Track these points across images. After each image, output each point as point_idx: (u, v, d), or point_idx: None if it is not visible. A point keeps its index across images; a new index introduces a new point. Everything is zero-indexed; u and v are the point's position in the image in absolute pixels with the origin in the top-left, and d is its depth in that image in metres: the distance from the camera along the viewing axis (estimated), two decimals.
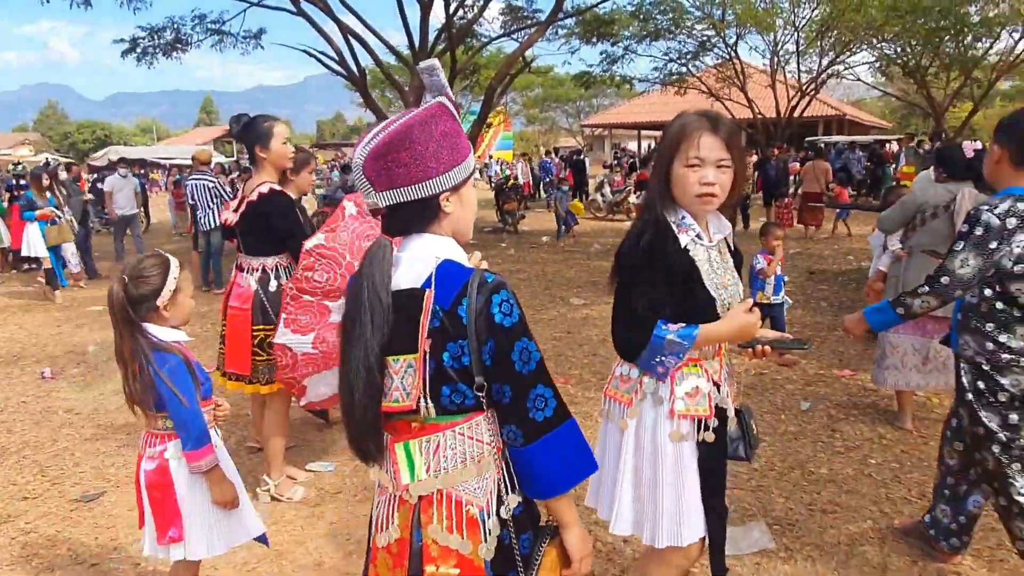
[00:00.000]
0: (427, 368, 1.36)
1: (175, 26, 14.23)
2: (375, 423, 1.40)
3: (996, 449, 2.38)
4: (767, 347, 1.93)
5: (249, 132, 3.24)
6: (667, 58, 21.79)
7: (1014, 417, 2.34)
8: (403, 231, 1.44)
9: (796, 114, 21.61)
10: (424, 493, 1.44)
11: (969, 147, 3.75)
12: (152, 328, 2.10)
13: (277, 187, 3.21)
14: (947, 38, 21.47)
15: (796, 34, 21.25)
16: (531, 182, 22.19)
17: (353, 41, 12.93)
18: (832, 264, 9.96)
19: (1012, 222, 2.28)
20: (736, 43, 21.00)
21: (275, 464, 3.47)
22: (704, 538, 1.97)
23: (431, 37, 13.09)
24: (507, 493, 1.46)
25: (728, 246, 2.02)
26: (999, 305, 2.36)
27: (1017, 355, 2.33)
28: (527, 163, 23.26)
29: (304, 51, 12.91)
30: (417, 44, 13.15)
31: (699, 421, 1.91)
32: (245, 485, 2.39)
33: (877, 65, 23.69)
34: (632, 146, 40.30)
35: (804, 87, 21.56)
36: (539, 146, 46.45)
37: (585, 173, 20.62)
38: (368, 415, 1.39)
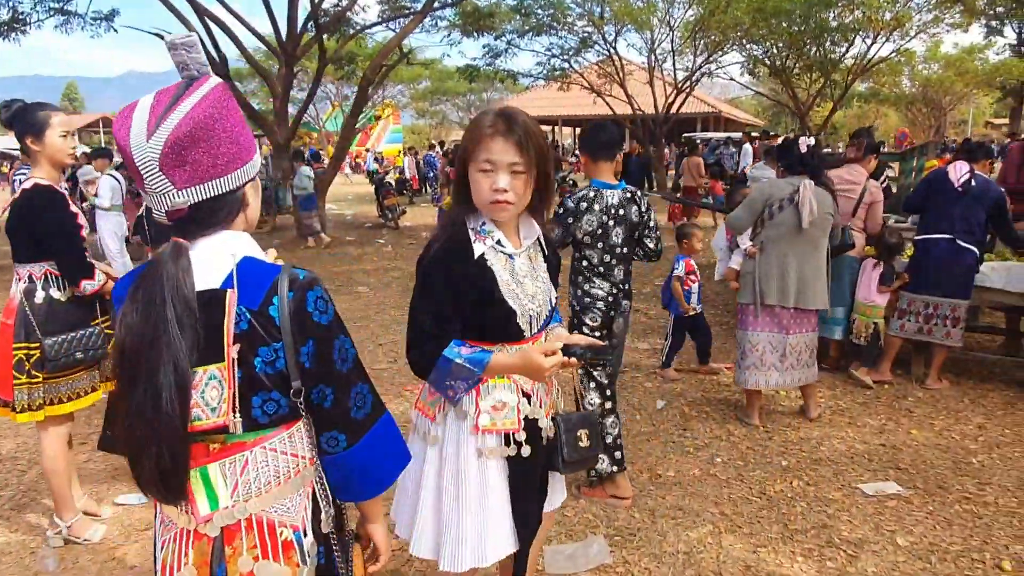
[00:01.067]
0: (235, 377, 1.23)
1: (11, 3, 12.83)
2: (185, 451, 1.22)
3: (581, 372, 3.21)
4: (573, 358, 1.80)
5: (20, 121, 2.79)
6: (550, 53, 21.98)
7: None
8: (202, 232, 1.28)
9: (674, 111, 22.27)
10: (229, 522, 1.28)
11: (803, 143, 3.93)
12: None
13: (44, 183, 2.78)
14: (808, 41, 22.82)
15: (672, 33, 21.90)
16: (418, 177, 21.78)
17: (214, 26, 12.09)
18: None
19: (583, 205, 3.15)
20: (615, 40, 21.38)
21: (64, 503, 3.02)
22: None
23: (300, 23, 12.42)
24: (325, 506, 1.37)
25: (542, 250, 1.89)
26: (580, 265, 3.25)
27: (593, 299, 3.20)
28: (414, 157, 22.79)
29: (156, 35, 11.94)
30: (285, 32, 12.46)
31: (507, 435, 1.80)
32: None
33: (746, 65, 24.81)
34: None
35: (680, 85, 22.26)
36: (431, 140, 46.14)
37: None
38: (179, 444, 1.20)
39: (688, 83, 22.44)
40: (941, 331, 4.61)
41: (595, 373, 3.22)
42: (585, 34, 21.46)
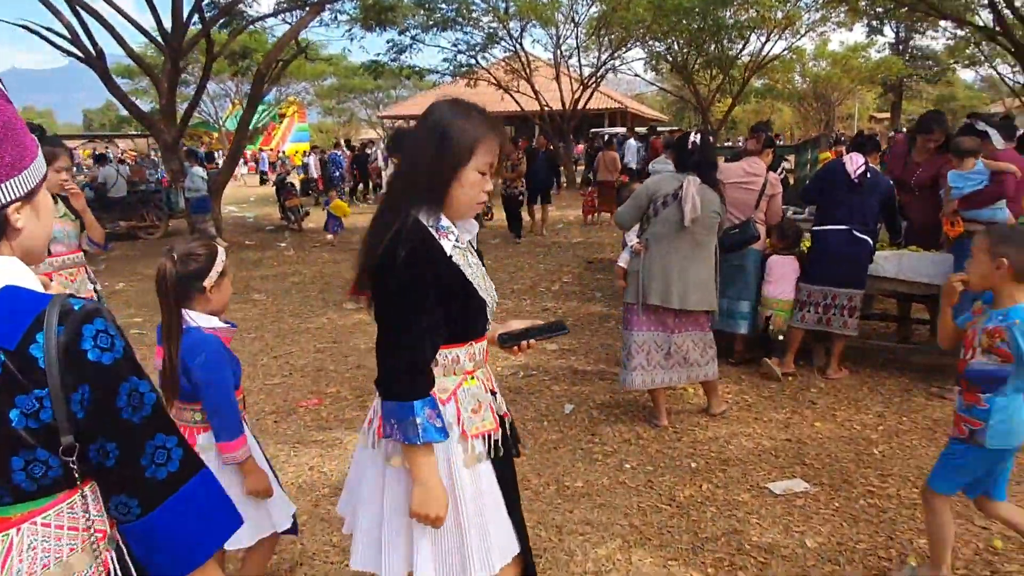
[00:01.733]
0: None
1: None
2: None
3: None
4: (531, 340, 1.81)
5: None
6: (456, 49, 21.72)
7: None
8: None
9: (581, 106, 22.45)
10: None
11: (690, 140, 3.95)
12: (192, 314, 2.08)
13: None
14: (707, 39, 23.47)
15: (576, 29, 22.05)
16: (323, 177, 21.01)
17: (88, 17, 11.17)
18: (610, 253, 10.23)
19: None
20: (521, 36, 21.33)
21: None
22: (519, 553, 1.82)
23: (186, 15, 11.64)
24: None
25: (472, 246, 1.87)
26: None
27: None
28: (318, 156, 21.98)
29: (23, 26, 10.94)
30: (170, 23, 11.65)
31: (488, 436, 1.75)
32: None
33: (649, 62, 25.30)
34: None
35: (586, 80, 22.46)
36: (339, 138, 44.96)
37: (367, 166, 19.99)
38: None
39: (593, 79, 22.67)
40: (839, 321, 4.66)
41: None
42: (491, 29, 21.34)
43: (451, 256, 1.65)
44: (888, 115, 38.30)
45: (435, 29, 20.60)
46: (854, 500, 3.25)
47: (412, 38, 20.67)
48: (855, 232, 4.53)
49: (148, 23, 13.23)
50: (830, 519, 3.10)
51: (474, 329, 1.73)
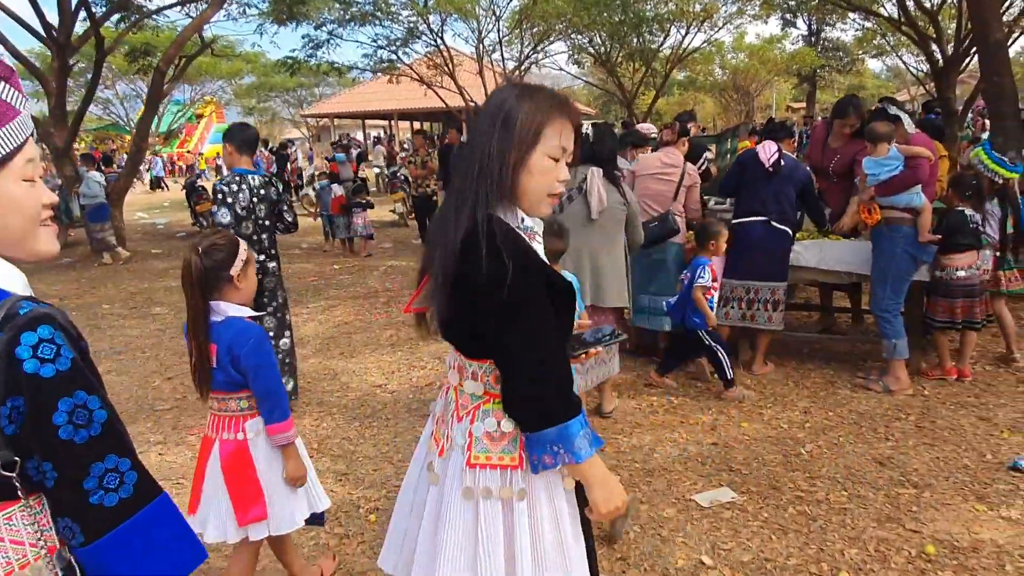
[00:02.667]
0: None
1: None
2: None
3: None
4: (595, 349, 1.64)
5: None
6: (376, 45, 21.14)
7: None
8: None
9: None
10: None
11: (590, 132, 3.89)
12: (224, 305, 2.11)
13: None
14: (628, 31, 23.60)
15: (498, 23, 21.78)
16: None
17: None
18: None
19: (233, 188, 3.87)
20: (442, 30, 20.90)
21: None
22: None
23: (73, 8, 10.77)
24: None
25: None
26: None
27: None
28: None
29: None
30: (56, 18, 10.77)
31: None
32: None
33: (572, 55, 25.29)
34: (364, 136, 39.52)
35: (510, 75, 22.22)
36: (263, 138, 43.65)
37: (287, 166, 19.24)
38: None
39: (517, 73, 22.46)
40: (763, 316, 4.52)
41: None
42: (411, 24, 20.85)
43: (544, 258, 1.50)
44: (804, 105, 39.56)
45: (353, 24, 20.02)
46: (783, 508, 3.06)
47: (329, 33, 20.00)
48: (773, 223, 4.39)
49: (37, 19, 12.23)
50: (759, 532, 2.89)
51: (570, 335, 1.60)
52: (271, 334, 4.17)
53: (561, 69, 30.58)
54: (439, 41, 21.05)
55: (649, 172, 4.66)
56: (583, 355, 1.62)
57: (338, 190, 10.31)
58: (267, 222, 4.10)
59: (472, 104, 21.74)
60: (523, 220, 1.49)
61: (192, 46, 12.36)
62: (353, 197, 10.08)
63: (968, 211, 4.21)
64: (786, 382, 4.53)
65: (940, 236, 4.06)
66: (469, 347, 1.49)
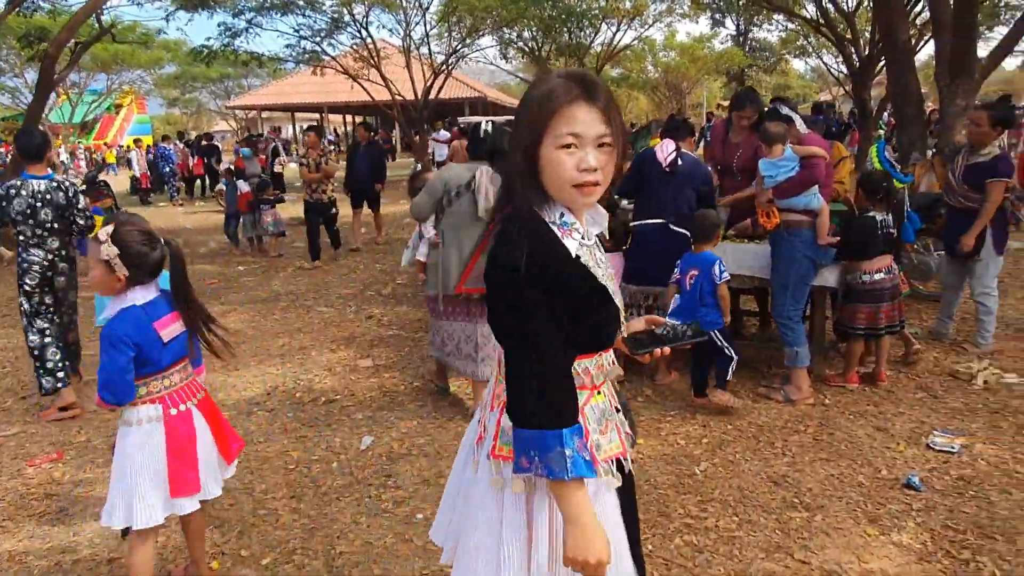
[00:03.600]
0: None
1: None
2: None
3: None
4: (666, 348, 1.57)
5: None
6: (299, 35, 20.37)
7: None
8: None
9: (434, 95, 21.74)
10: None
11: (483, 128, 3.76)
12: None
13: None
14: (559, 26, 23.48)
15: (424, 16, 21.30)
16: (149, 174, 19.03)
17: None
18: None
19: (11, 192, 4.17)
20: (366, 21, 20.28)
21: None
22: None
23: None
24: None
25: (600, 242, 1.57)
26: (17, 238, 4.29)
27: (30, 264, 4.25)
28: (143, 151, 19.88)
29: None
30: None
31: (616, 461, 1.52)
32: None
33: (501, 49, 25.04)
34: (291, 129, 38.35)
35: (438, 68, 21.79)
36: (188, 130, 41.95)
37: (212, 161, 18.25)
38: None
39: (446, 66, 22.02)
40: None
41: None
42: (335, 14, 20.18)
43: (579, 256, 1.40)
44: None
45: (273, 12, 19.23)
46: (669, 538, 2.83)
47: (248, 21, 19.16)
48: (671, 225, 4.18)
49: None
50: None
51: (608, 338, 1.50)
52: (54, 336, 4.41)
53: (492, 63, 30.11)
54: (364, 32, 20.44)
55: None
56: (647, 354, 1.57)
57: (244, 187, 9.73)
58: (55, 225, 4.29)
59: (399, 98, 21.22)
60: (562, 215, 1.41)
61: (86, 29, 11.47)
62: (259, 194, 9.53)
63: (879, 215, 4.09)
64: (689, 391, 4.33)
65: (839, 239, 3.93)
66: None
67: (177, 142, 21.38)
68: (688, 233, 4.25)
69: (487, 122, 3.63)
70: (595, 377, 1.48)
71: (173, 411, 2.31)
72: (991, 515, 2.86)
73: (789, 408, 3.99)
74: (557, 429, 1.33)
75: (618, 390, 1.63)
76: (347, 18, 20.01)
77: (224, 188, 10.76)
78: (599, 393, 1.51)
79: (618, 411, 1.57)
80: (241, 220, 9.93)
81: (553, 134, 1.34)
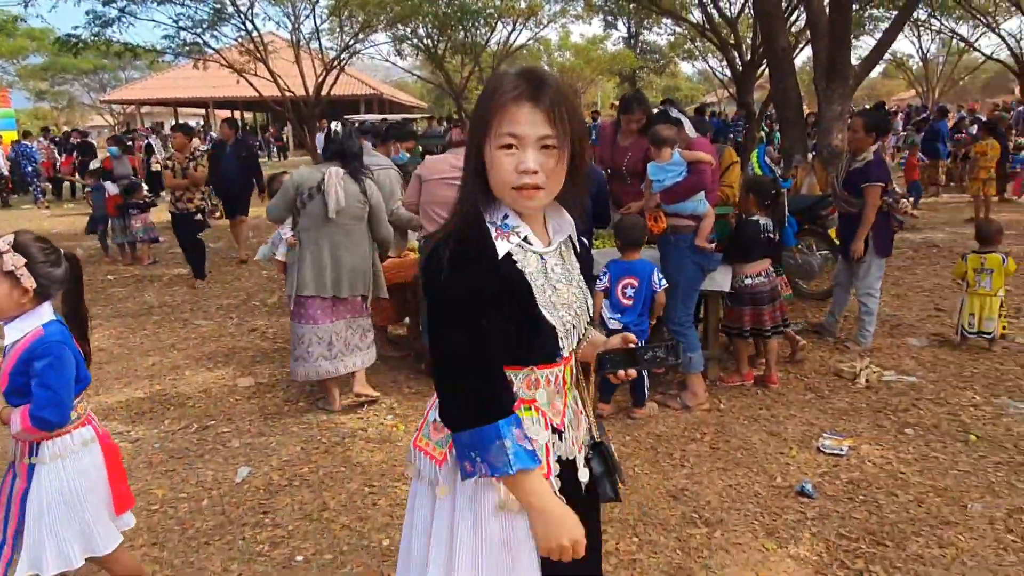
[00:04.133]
0: None
1: None
2: None
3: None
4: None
5: None
6: (177, 25, 19.14)
7: None
8: None
9: (326, 91, 21.02)
10: None
11: (334, 128, 3.40)
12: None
13: None
14: (454, 24, 23.26)
15: (313, 9, 20.54)
16: (9, 174, 17.33)
17: None
18: None
19: None
20: (251, 12, 19.30)
21: None
22: None
23: None
24: None
25: (574, 247, 1.52)
26: None
27: None
28: (5, 149, 18.09)
29: None
30: None
31: None
32: None
33: (394, 45, 24.57)
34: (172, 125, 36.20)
35: (329, 64, 21.08)
36: (56, 126, 38.87)
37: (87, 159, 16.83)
38: None
39: (337, 62, 21.33)
40: None
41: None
42: (218, 5, 19.08)
43: (515, 260, 1.35)
44: None
45: (149, 1, 18.00)
46: None
47: (120, 10, 17.81)
48: None
49: None
50: None
51: (537, 354, 1.40)
52: None
53: (387, 60, 29.46)
54: (249, 24, 19.44)
55: (437, 176, 4.17)
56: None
57: (112, 189, 8.94)
58: None
59: (289, 94, 20.35)
60: (505, 217, 1.37)
61: None
62: (128, 196, 8.77)
63: (763, 220, 4.13)
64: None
65: (727, 243, 3.95)
66: None
67: (41, 139, 19.65)
68: (584, 240, 4.15)
69: (338, 124, 3.48)
70: (520, 391, 1.40)
71: (100, 429, 2.24)
72: (880, 520, 2.90)
73: (686, 416, 3.97)
74: (492, 422, 1.30)
75: (595, 436, 1.57)
76: (230, 9, 19.00)
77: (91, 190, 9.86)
78: (529, 409, 1.41)
79: (559, 434, 1.44)
80: (110, 224, 9.13)
81: (495, 133, 1.29)
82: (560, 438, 1.44)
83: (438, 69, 26.58)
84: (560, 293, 1.40)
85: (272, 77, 19.51)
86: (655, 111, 3.95)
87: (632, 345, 1.51)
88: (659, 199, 3.82)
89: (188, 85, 30.85)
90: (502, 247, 1.33)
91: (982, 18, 25.09)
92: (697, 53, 31.63)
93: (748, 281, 4.14)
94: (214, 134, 34.05)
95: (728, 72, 20.49)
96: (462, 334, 1.32)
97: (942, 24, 28.43)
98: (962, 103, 28.80)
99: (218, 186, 8.86)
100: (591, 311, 1.52)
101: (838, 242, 5.20)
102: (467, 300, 1.31)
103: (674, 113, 3.84)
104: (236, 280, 7.91)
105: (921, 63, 34.50)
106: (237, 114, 35.41)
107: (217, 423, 4.09)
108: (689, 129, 3.79)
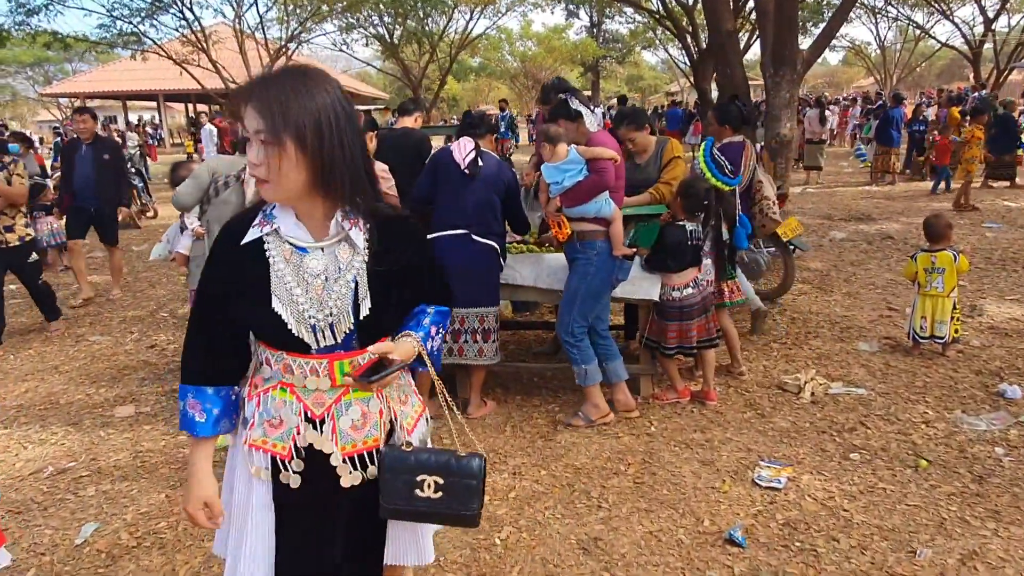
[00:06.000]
0: None
1: None
2: None
3: None
4: (387, 377, 1.44)
5: None
6: (111, 15, 18.20)
7: None
8: None
9: None
10: None
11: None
12: None
13: None
14: (408, 11, 22.59)
15: None
16: None
17: None
18: None
19: None
20: (191, 2, 18.43)
21: None
22: None
23: None
24: None
25: (369, 250, 1.46)
26: None
27: None
28: None
29: None
30: None
31: (277, 459, 1.50)
32: None
33: (341, 34, 23.86)
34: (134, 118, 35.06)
35: (275, 54, 20.30)
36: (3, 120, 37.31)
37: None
38: None
39: (285, 51, 20.54)
40: (473, 348, 3.73)
41: None
42: None
43: (259, 244, 1.44)
44: (590, 93, 41.07)
45: None
46: None
47: None
48: (475, 236, 3.60)
49: None
50: None
51: (278, 339, 1.46)
52: None
53: (342, 51, 28.58)
54: (188, 12, 18.55)
55: None
56: (372, 385, 1.46)
57: None
58: None
59: (234, 85, 19.53)
60: (274, 207, 1.46)
61: None
62: (33, 199, 8.06)
63: (690, 225, 3.71)
64: (504, 428, 3.78)
65: (635, 249, 3.52)
66: None
67: None
68: (496, 245, 3.69)
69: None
70: (276, 372, 1.49)
71: None
72: (818, 573, 2.49)
73: (612, 443, 3.53)
74: (184, 383, 1.51)
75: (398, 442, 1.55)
76: None
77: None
78: (285, 390, 1.50)
79: (315, 424, 1.49)
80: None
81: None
82: (316, 428, 1.49)
83: (393, 58, 25.88)
84: (311, 288, 1.43)
85: (214, 67, 18.68)
86: (557, 102, 3.52)
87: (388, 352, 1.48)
88: (559, 202, 3.39)
89: (137, 77, 29.68)
90: (253, 233, 1.45)
91: (937, 5, 25.17)
92: (658, 42, 31.33)
93: (676, 294, 3.71)
94: (154, 129, 33.01)
95: (687, 60, 20.17)
96: (199, 298, 1.51)
97: (899, 11, 28.53)
98: (922, 90, 28.98)
99: (66, 196, 6.57)
100: (349, 319, 1.45)
101: None
102: (208, 270, 1.50)
103: (575, 104, 3.38)
104: (151, 287, 7.31)
105: (879, 50, 34.67)
106: (191, 107, 34.25)
107: (77, 465, 3.55)
108: (590, 123, 3.34)
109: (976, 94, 18.49)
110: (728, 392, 4.08)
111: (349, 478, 1.51)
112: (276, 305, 1.42)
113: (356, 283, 1.45)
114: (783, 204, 5.72)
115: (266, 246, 1.44)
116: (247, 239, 1.44)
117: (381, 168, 3.71)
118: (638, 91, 50.37)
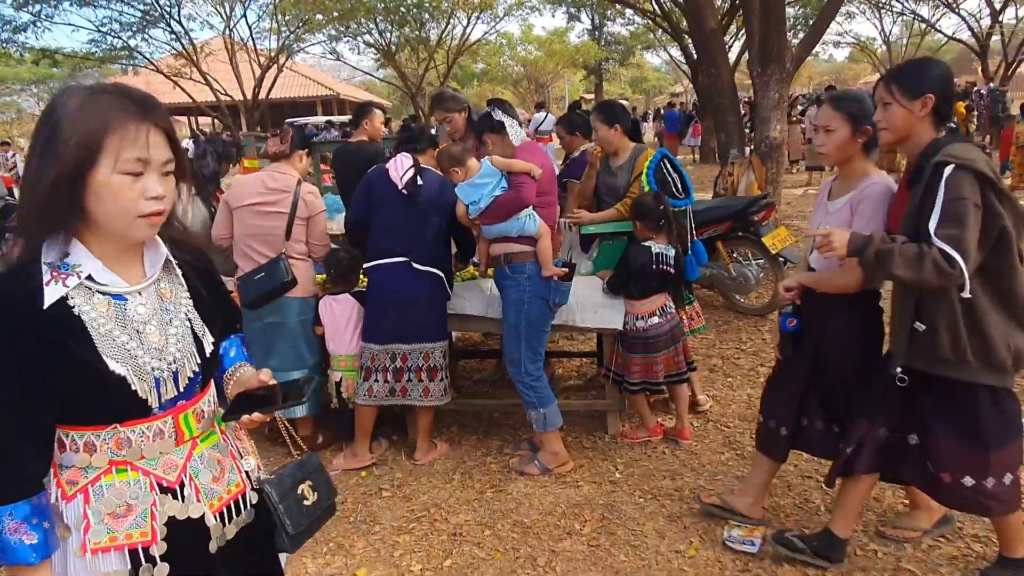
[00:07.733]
0: None
1: None
2: None
3: None
4: (258, 413, 1.34)
5: None
6: (101, 30, 18.08)
7: None
8: None
9: (265, 94, 20.02)
10: None
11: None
12: None
13: None
14: (405, 16, 22.35)
15: (246, 8, 19.54)
16: None
17: None
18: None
19: None
20: (179, 12, 18.25)
21: None
22: None
23: None
24: None
25: (188, 277, 1.38)
26: None
27: None
28: None
29: None
30: None
31: (134, 552, 1.28)
32: None
33: (331, 43, 23.68)
34: None
35: (267, 65, 20.09)
36: (12, 138, 37.50)
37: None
38: None
39: (275, 62, 20.32)
40: (417, 389, 3.35)
41: None
42: (145, 5, 18.01)
43: (71, 305, 1.21)
44: (594, 96, 40.75)
45: (69, 4, 16.95)
46: None
47: (35, 14, 16.73)
48: (415, 265, 3.22)
49: None
50: None
51: (113, 410, 1.27)
52: None
53: (340, 60, 28.35)
54: (177, 24, 18.35)
55: (246, 203, 3.32)
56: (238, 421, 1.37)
57: None
58: None
59: (226, 98, 19.33)
60: (66, 256, 1.22)
61: None
62: (3, 221, 7.79)
63: (657, 247, 3.32)
64: (453, 475, 3.40)
65: (566, 270, 3.11)
66: None
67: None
68: (440, 273, 3.32)
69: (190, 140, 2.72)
70: (107, 452, 1.27)
71: None
72: None
73: (570, 494, 3.14)
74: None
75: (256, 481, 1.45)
76: (158, 11, 17.90)
77: None
78: (125, 470, 1.29)
79: (171, 493, 1.31)
80: None
81: (117, 157, 1.17)
82: (176, 496, 1.32)
83: (390, 65, 25.66)
84: (146, 337, 1.27)
85: (204, 80, 18.49)
86: (481, 115, 3.17)
87: (270, 383, 1.41)
88: (479, 223, 3.04)
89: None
90: (54, 293, 1.20)
91: None
92: (658, 43, 30.96)
93: (640, 323, 3.32)
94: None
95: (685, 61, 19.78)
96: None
97: (904, 5, 28.02)
98: None
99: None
100: (194, 363, 1.32)
101: None
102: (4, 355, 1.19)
103: (498, 115, 3.01)
104: None
105: (884, 46, 34.10)
106: (193, 121, 34.14)
107: None
108: (514, 136, 2.96)
109: (981, 88, 17.96)
110: (706, 428, 3.68)
111: (223, 535, 1.36)
112: (113, 366, 1.23)
113: (190, 320, 1.34)
114: (772, 213, 5.31)
115: (71, 303, 1.22)
116: (49, 301, 1.20)
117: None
118: (642, 92, 49.98)
